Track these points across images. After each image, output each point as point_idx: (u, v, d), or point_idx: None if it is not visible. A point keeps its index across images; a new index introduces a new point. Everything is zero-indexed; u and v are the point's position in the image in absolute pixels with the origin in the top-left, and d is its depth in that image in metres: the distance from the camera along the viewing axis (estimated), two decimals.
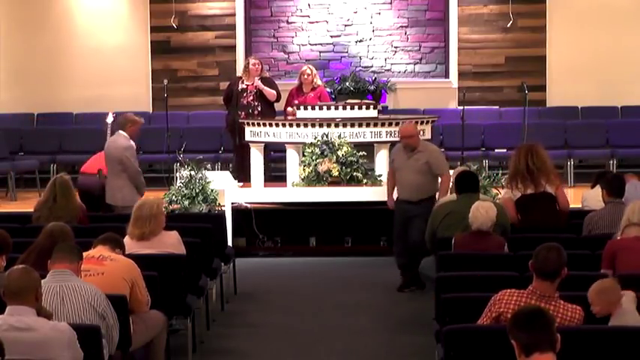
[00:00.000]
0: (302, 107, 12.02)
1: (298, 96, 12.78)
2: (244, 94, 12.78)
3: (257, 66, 12.82)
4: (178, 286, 7.08)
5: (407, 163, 9.64)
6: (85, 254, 6.01)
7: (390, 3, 16.02)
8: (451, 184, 9.41)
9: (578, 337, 5.01)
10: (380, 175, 11.25)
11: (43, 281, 5.39)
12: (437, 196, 9.51)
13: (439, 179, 9.70)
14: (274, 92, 12.74)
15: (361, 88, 15.05)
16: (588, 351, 5.02)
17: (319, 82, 12.98)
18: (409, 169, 9.61)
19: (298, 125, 11.50)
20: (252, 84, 12.70)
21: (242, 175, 12.40)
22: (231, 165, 13.56)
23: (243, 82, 12.85)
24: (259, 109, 12.70)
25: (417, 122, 11.74)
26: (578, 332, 5.10)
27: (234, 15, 15.89)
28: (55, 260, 5.68)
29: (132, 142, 10.14)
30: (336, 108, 11.85)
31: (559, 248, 5.42)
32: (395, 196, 9.92)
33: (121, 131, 10.19)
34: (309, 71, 12.83)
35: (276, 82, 13.27)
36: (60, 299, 5.50)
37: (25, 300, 4.93)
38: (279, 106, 13.05)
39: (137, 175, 10.12)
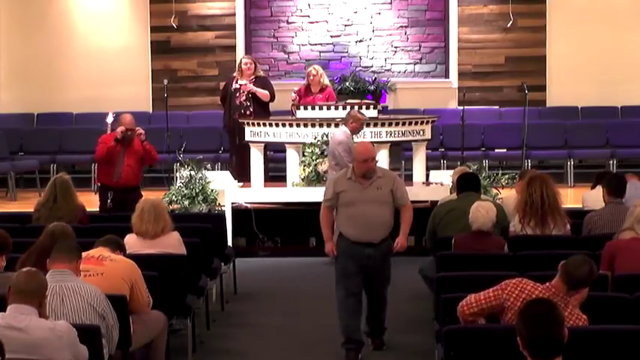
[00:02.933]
0: (302, 107, 12.01)
1: (306, 96, 12.73)
2: (237, 94, 12.75)
3: (249, 65, 12.76)
4: (178, 286, 7.09)
5: (364, 194, 7.46)
6: (84, 254, 6.01)
7: (390, 3, 16.01)
8: (451, 184, 9.41)
9: (579, 337, 5.00)
10: None
11: None
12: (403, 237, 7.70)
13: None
14: (267, 93, 12.67)
15: (361, 88, 15.06)
16: (589, 351, 5.02)
17: (327, 82, 12.88)
18: (369, 202, 7.45)
19: (298, 125, 11.50)
20: (245, 84, 12.67)
21: (242, 175, 12.39)
22: (230, 165, 13.54)
23: (236, 82, 12.82)
24: (251, 109, 12.65)
25: (417, 122, 11.82)
26: (579, 332, 5.09)
27: (234, 15, 15.89)
28: (54, 260, 5.67)
29: (348, 137, 10.28)
30: (336, 108, 11.84)
31: (593, 267, 5.28)
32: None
33: (342, 125, 10.46)
34: (314, 72, 12.76)
35: (276, 82, 13.27)
36: (60, 299, 5.50)
37: (30, 301, 4.94)
38: (274, 106, 13.01)
39: None
